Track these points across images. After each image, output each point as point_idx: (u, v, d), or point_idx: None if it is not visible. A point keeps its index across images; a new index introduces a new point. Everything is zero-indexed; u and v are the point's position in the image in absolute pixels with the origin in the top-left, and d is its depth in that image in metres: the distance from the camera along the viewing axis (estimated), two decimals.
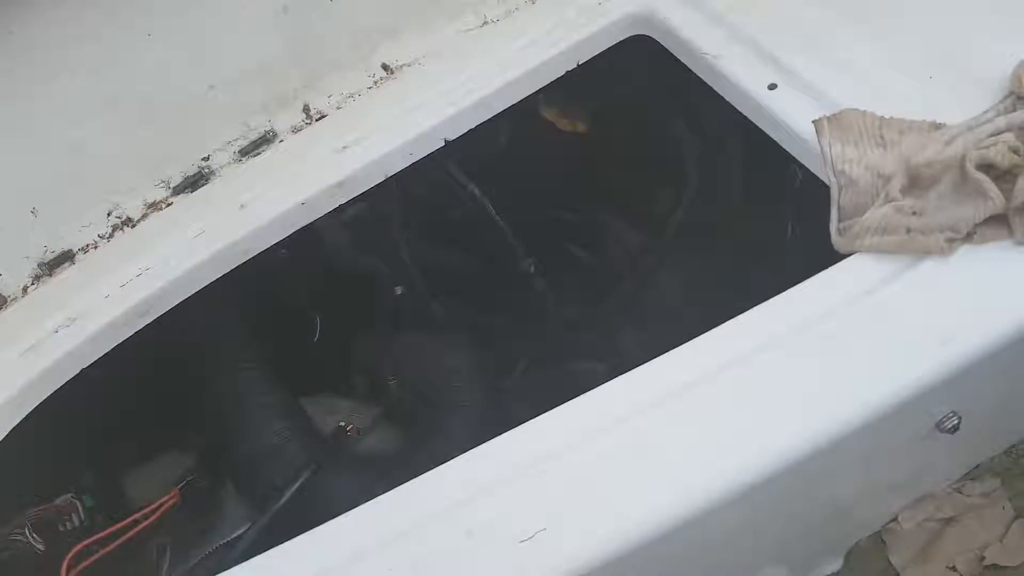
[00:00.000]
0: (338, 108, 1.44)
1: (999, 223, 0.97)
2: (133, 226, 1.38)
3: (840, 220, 1.06)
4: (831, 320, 0.96)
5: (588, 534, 0.88)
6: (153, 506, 1.45)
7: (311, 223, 1.41)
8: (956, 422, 1.00)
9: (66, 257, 1.36)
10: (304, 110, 1.45)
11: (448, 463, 0.97)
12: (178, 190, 1.41)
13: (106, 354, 1.30)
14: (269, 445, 1.51)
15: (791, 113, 1.15)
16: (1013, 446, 1.34)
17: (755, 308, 1.00)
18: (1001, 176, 0.98)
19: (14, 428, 1.22)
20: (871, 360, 0.92)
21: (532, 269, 1.72)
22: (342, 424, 1.65)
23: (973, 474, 1.34)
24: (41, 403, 1.26)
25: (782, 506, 1.04)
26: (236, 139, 1.44)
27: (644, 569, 0.95)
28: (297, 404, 1.62)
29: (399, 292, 1.75)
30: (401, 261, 1.72)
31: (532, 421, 0.99)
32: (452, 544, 0.90)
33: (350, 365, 1.78)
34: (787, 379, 0.94)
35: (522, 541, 0.88)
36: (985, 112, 1.05)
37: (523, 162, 1.69)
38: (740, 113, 1.23)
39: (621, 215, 1.78)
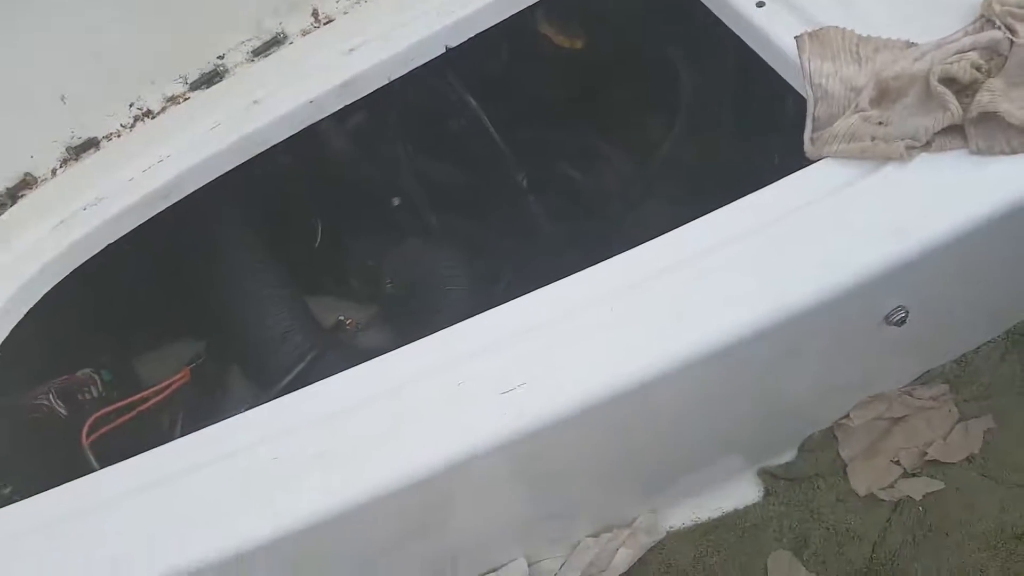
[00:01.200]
0: (345, 13, 1.50)
1: (956, 133, 1.06)
2: (153, 117, 1.45)
3: (813, 130, 1.16)
4: (796, 215, 1.06)
5: (559, 390, 1.00)
6: (166, 382, 1.56)
7: (316, 130, 1.49)
8: (903, 315, 1.11)
9: (91, 143, 1.43)
10: (313, 14, 1.51)
11: (444, 330, 1.08)
12: (195, 86, 1.48)
13: (128, 243, 1.39)
14: (274, 333, 1.61)
15: (776, 29, 1.22)
16: (963, 355, 1.45)
17: (729, 205, 1.10)
18: (962, 90, 1.07)
19: (44, 298, 1.32)
20: (829, 249, 1.03)
21: (525, 183, 1.80)
22: (341, 318, 1.76)
23: (924, 379, 1.45)
24: (68, 282, 1.36)
25: (747, 384, 1.16)
26: (249, 40, 1.50)
27: (609, 426, 1.07)
28: (301, 298, 1.72)
29: (396, 203, 1.83)
30: (400, 172, 1.79)
31: (520, 298, 1.10)
32: (444, 392, 1.02)
33: (349, 269, 1.87)
34: (753, 264, 1.04)
35: (503, 392, 0.99)
36: (955, 32, 1.13)
37: (520, 78, 1.75)
38: (732, 32, 1.31)
39: (615, 135, 1.85)
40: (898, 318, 1.11)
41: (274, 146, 1.44)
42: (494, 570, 1.29)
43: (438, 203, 1.83)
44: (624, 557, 1.32)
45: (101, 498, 1.07)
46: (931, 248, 1.01)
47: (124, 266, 1.49)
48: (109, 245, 1.37)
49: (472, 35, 1.45)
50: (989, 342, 1.45)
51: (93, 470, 1.32)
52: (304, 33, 1.51)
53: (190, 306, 1.72)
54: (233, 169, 1.43)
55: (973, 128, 1.04)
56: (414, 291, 1.76)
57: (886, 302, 1.10)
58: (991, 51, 1.07)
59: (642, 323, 1.04)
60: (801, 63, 1.17)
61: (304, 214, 1.85)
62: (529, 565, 1.31)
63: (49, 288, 1.29)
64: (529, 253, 1.85)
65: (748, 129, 1.55)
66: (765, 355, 1.09)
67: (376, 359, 1.08)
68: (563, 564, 1.32)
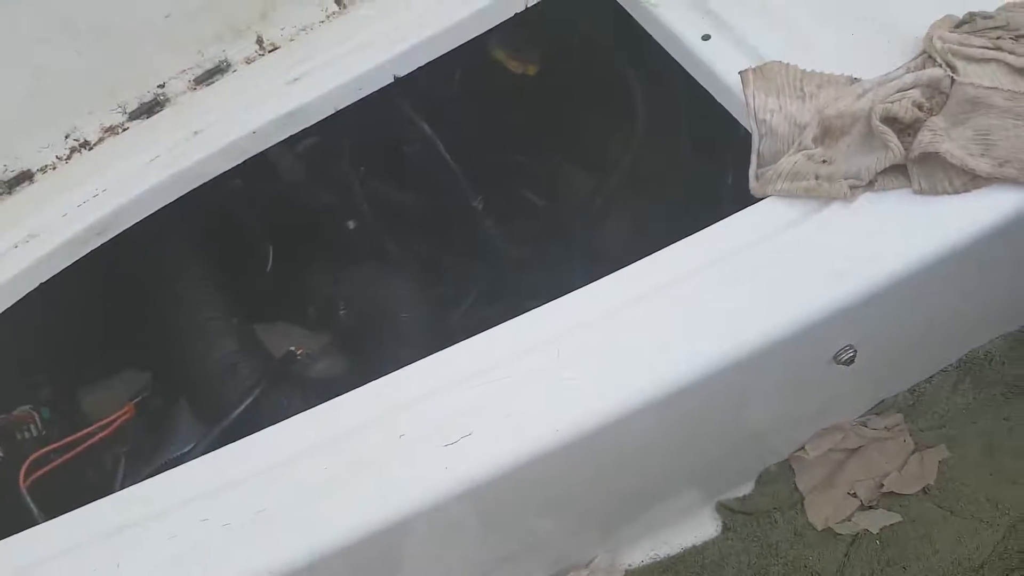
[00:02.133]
0: (291, 40, 1.47)
1: (899, 173, 1.05)
2: (90, 149, 1.41)
3: (759, 167, 1.14)
4: (741, 257, 1.05)
5: (506, 440, 0.98)
6: (109, 419, 1.52)
7: (265, 154, 1.46)
8: (852, 354, 1.10)
9: (25, 176, 1.39)
10: (257, 41, 1.47)
11: (386, 376, 1.05)
12: (134, 116, 1.44)
13: (66, 273, 1.35)
14: (221, 365, 1.58)
15: (721, 63, 1.21)
16: (916, 385, 1.44)
17: (673, 245, 1.08)
18: (904, 129, 1.06)
19: None
20: (775, 292, 1.01)
21: (481, 207, 1.78)
22: (292, 348, 1.72)
23: (878, 409, 1.44)
24: (1, 316, 1.31)
25: (698, 424, 1.14)
26: (191, 67, 1.46)
27: (560, 472, 1.04)
28: (249, 328, 1.68)
29: (351, 226, 1.81)
30: (354, 196, 1.77)
31: (467, 341, 1.08)
32: (386, 445, 0.99)
33: (302, 295, 1.84)
34: (699, 307, 1.03)
35: (447, 445, 0.96)
36: (897, 69, 1.13)
37: (474, 103, 1.74)
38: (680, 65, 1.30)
39: (570, 159, 1.84)
40: (846, 358, 1.10)
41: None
42: None
43: (394, 228, 1.80)
44: None
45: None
46: (876, 289, 1.01)
47: (63, 298, 1.45)
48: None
49: (420, 64, 1.43)
50: (942, 371, 1.44)
51: (32, 514, 1.29)
52: (248, 61, 1.48)
53: (135, 337, 1.68)
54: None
55: (915, 168, 1.03)
56: (369, 317, 1.73)
57: (834, 342, 1.09)
58: (933, 89, 1.06)
59: (589, 368, 1.02)
60: (745, 98, 1.16)
61: (254, 238, 1.82)
62: None
63: None
64: (486, 277, 1.83)
65: (698, 161, 1.54)
66: (715, 397, 1.08)
67: (315, 408, 1.05)
68: None
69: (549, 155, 1.80)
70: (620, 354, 1.02)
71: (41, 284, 1.33)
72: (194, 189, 1.40)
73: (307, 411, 1.08)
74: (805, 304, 1.00)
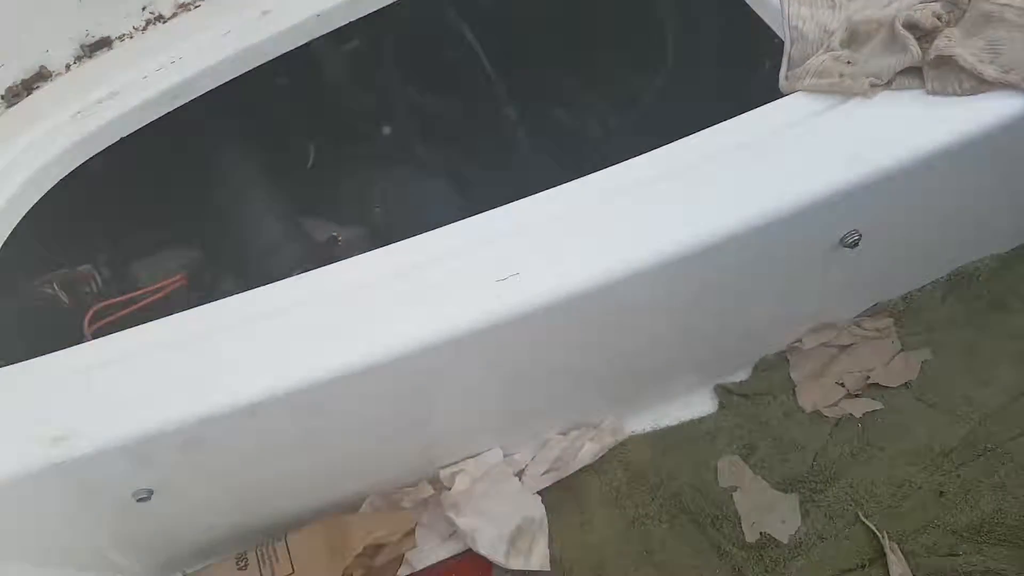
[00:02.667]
0: None
1: (915, 75, 1.18)
2: (164, 22, 1.51)
3: (788, 69, 1.27)
4: (767, 141, 1.17)
5: (545, 282, 1.12)
6: (164, 283, 1.64)
7: (318, 52, 1.55)
8: (857, 238, 1.23)
9: (104, 43, 1.49)
10: None
11: (450, 225, 1.18)
12: None
13: (130, 148, 1.45)
14: (269, 243, 1.70)
15: None
16: (908, 292, 1.58)
17: (708, 129, 1.21)
18: (923, 36, 1.18)
19: (52, 191, 1.39)
20: (796, 169, 1.14)
21: (514, 117, 1.89)
22: (334, 234, 1.84)
23: (871, 312, 1.57)
24: (75, 179, 1.42)
25: (709, 292, 1.27)
26: None
27: (587, 316, 1.18)
28: (294, 214, 1.80)
29: (388, 130, 1.91)
30: (392, 99, 1.86)
31: (514, 202, 1.20)
32: (446, 277, 1.13)
33: (339, 193, 1.95)
34: (726, 180, 1.16)
35: (498, 280, 1.11)
36: None
37: (515, 14, 1.83)
38: None
39: (605, 71, 1.92)
40: (852, 240, 1.23)
41: (274, 68, 1.50)
42: (473, 456, 1.41)
43: (428, 132, 1.90)
44: (589, 451, 1.43)
45: (112, 356, 1.19)
46: (884, 175, 1.13)
47: (126, 172, 1.56)
48: (114, 146, 1.44)
49: None
50: (933, 282, 1.56)
51: None
52: None
53: (187, 214, 1.78)
54: (236, 86, 1.49)
55: (930, 70, 1.15)
56: (401, 218, 1.84)
57: (842, 224, 1.21)
58: (952, 4, 1.18)
59: (620, 229, 1.15)
60: (781, 7, 1.27)
61: (299, 137, 1.92)
62: (504, 456, 1.43)
63: (67, 173, 1.35)
64: (517, 186, 1.94)
65: (731, 66, 1.65)
66: (732, 263, 1.20)
67: (382, 248, 1.18)
68: (534, 456, 1.44)
69: (587, 66, 1.89)
70: (644, 220, 1.15)
71: (111, 152, 1.44)
72: (250, 83, 1.49)
73: (367, 253, 1.21)
74: (820, 181, 1.13)
